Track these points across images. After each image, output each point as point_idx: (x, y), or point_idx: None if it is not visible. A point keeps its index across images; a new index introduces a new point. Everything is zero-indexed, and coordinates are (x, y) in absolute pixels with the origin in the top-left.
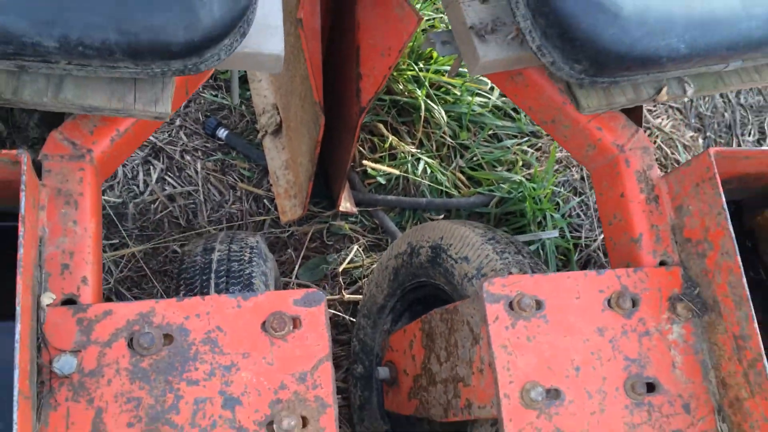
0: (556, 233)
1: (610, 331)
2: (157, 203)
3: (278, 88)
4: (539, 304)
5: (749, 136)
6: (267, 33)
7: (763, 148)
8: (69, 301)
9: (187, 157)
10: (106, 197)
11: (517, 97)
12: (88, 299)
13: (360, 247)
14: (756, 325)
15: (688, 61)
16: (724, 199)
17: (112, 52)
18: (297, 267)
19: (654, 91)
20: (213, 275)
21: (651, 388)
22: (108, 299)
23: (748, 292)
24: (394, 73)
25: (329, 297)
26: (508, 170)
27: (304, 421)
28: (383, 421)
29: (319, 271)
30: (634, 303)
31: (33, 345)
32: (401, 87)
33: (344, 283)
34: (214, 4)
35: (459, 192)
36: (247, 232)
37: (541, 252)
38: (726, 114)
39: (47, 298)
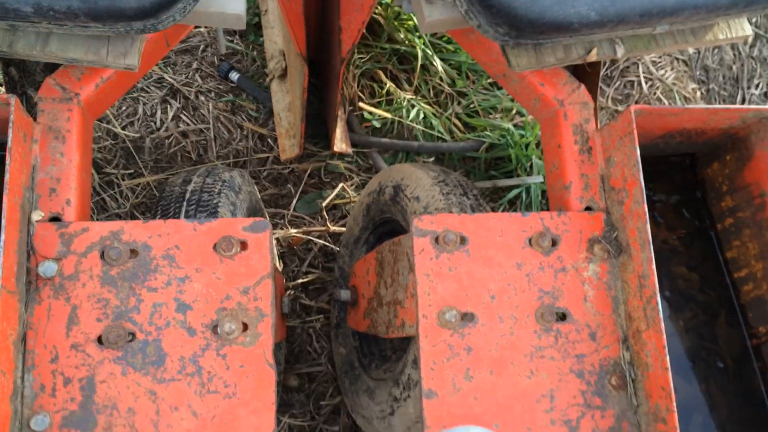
0: (540, 179)
1: (528, 266)
2: (171, 138)
3: (285, 35)
4: (463, 240)
5: (756, 89)
6: None
7: (687, 106)
8: (55, 219)
9: (201, 98)
10: (126, 132)
11: (473, 52)
12: (70, 217)
13: (352, 185)
14: (654, 266)
15: (601, 27)
16: (638, 152)
17: (77, 16)
18: (295, 201)
19: (584, 51)
20: (185, 204)
21: (563, 317)
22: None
23: (650, 237)
24: (395, 23)
25: (318, 228)
26: (502, 117)
27: (245, 326)
28: (353, 338)
29: (314, 205)
30: (555, 243)
31: (22, 251)
32: (402, 36)
33: (335, 216)
34: None
35: (453, 137)
36: (226, 167)
37: (525, 196)
38: (734, 67)
39: (36, 215)
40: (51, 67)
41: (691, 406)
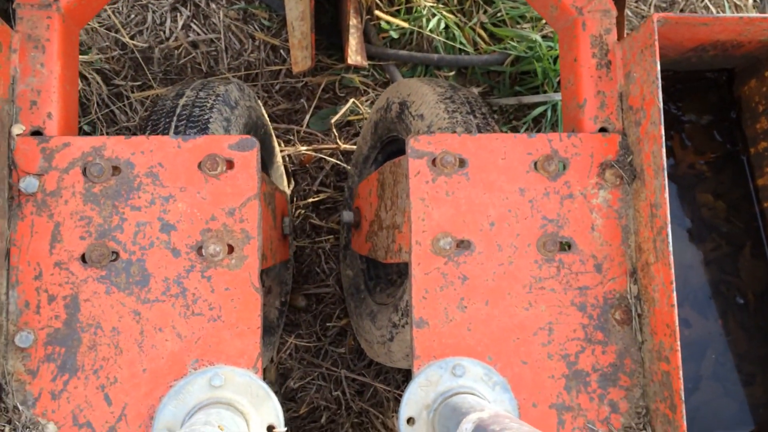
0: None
1: (532, 191)
2: (181, 49)
3: None
4: (462, 162)
5: None
6: None
7: (722, 15)
8: (36, 133)
9: (212, 5)
10: (134, 42)
11: None
12: (53, 132)
13: (368, 100)
14: (667, 195)
15: None
16: (658, 67)
17: None
18: (308, 116)
19: None
20: (175, 118)
21: (567, 248)
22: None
23: (665, 163)
24: None
25: (329, 146)
26: (532, 28)
27: (230, 248)
28: (360, 261)
29: (328, 122)
30: (564, 167)
31: (3, 166)
32: None
33: (349, 134)
34: None
35: (477, 49)
36: (223, 80)
37: (551, 114)
38: None
39: (17, 129)
40: None
41: (704, 342)
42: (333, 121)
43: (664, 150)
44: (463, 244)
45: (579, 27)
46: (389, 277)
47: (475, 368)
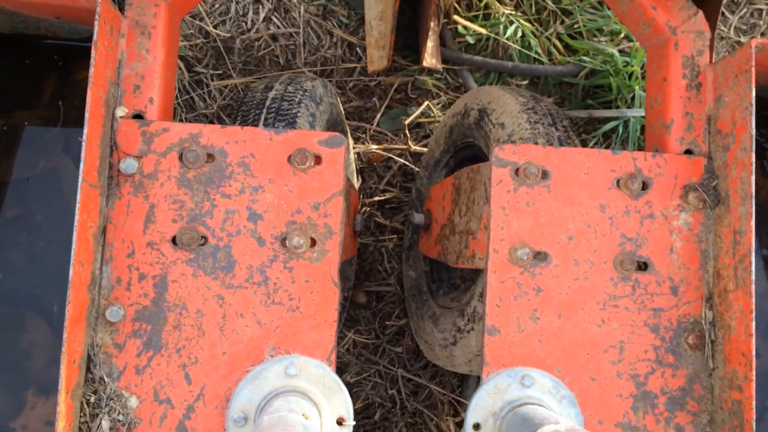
0: (641, 112)
1: (612, 208)
2: (261, 41)
3: None
4: (545, 174)
5: None
6: None
7: None
8: (137, 116)
9: (294, 0)
10: (217, 31)
11: None
12: (153, 116)
13: (439, 103)
14: (753, 222)
15: None
16: (753, 94)
17: None
18: (379, 115)
19: None
20: (264, 111)
21: (644, 267)
22: (210, 122)
23: (753, 190)
24: None
25: (399, 146)
26: (610, 41)
27: (313, 242)
28: (424, 262)
29: (398, 122)
30: (645, 186)
31: (105, 146)
32: None
33: (419, 135)
34: None
35: (551, 60)
36: (310, 76)
37: (622, 130)
38: None
39: (120, 111)
40: None
41: None
42: (407, 122)
43: (753, 177)
44: (539, 256)
45: (671, 47)
46: (452, 281)
47: (544, 380)
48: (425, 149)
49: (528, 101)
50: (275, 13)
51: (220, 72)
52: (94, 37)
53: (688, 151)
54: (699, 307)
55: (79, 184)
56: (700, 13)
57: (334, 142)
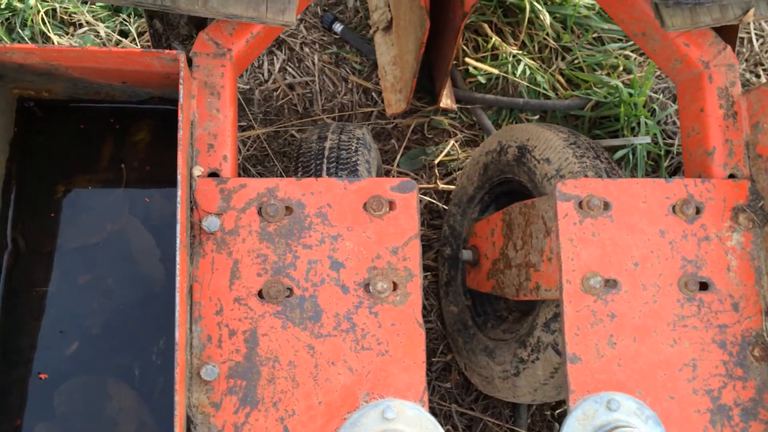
0: (647, 139)
1: (671, 234)
2: (278, 91)
3: None
4: (606, 205)
5: None
6: None
7: None
8: (213, 174)
9: (306, 49)
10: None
11: (612, 9)
12: (227, 173)
13: (457, 142)
14: None
15: None
16: None
17: None
18: (399, 156)
19: (741, 11)
20: (325, 161)
21: (704, 287)
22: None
23: None
24: None
25: (425, 186)
26: (608, 74)
27: (395, 286)
28: (465, 297)
29: (418, 161)
30: (698, 210)
31: (187, 206)
32: None
33: (440, 174)
34: None
35: (557, 94)
36: (355, 124)
37: (631, 157)
38: None
39: (197, 170)
40: (195, 20)
41: None
42: (436, 161)
43: None
44: (609, 283)
45: (705, 80)
46: (498, 314)
47: (628, 402)
48: (451, 187)
49: (569, 137)
50: (289, 63)
51: (243, 123)
52: (180, 100)
53: (731, 176)
54: (759, 320)
55: (177, 247)
56: (729, 47)
57: (406, 188)
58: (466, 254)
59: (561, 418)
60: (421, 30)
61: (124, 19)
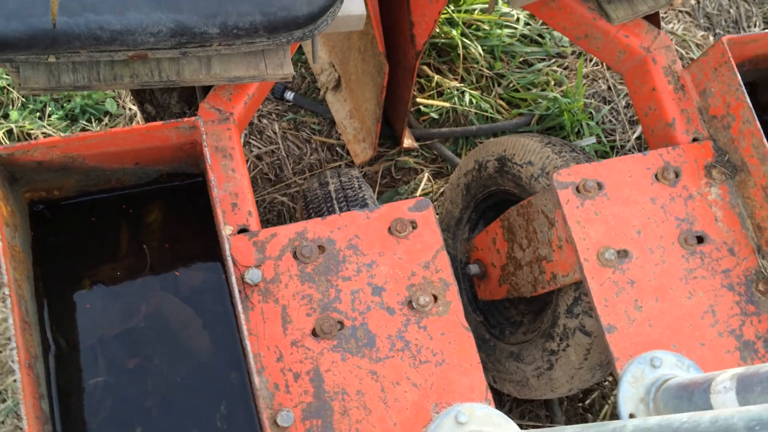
0: (593, 139)
1: (661, 199)
2: (248, 163)
3: (332, 47)
4: (600, 186)
5: (755, 27)
6: None
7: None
8: (243, 230)
9: (264, 121)
10: None
11: (553, 20)
12: (254, 227)
13: (427, 175)
14: None
15: None
16: (740, 77)
17: (256, 30)
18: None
19: None
20: (335, 202)
21: (701, 240)
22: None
23: None
24: None
25: None
26: (542, 90)
27: (435, 298)
28: (476, 314)
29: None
30: (677, 174)
31: (230, 266)
32: (438, 30)
33: None
34: None
35: (502, 116)
36: (347, 167)
37: None
38: (731, 10)
39: (227, 230)
40: (185, 97)
41: None
42: (418, 194)
43: (765, 140)
44: (621, 254)
45: (650, 62)
46: (512, 320)
47: (668, 357)
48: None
49: (542, 138)
50: (252, 137)
51: None
52: (208, 161)
53: (695, 140)
54: (754, 259)
55: (240, 309)
56: (662, 32)
57: (422, 206)
58: (473, 268)
59: (591, 410)
60: (379, 76)
61: (84, 126)
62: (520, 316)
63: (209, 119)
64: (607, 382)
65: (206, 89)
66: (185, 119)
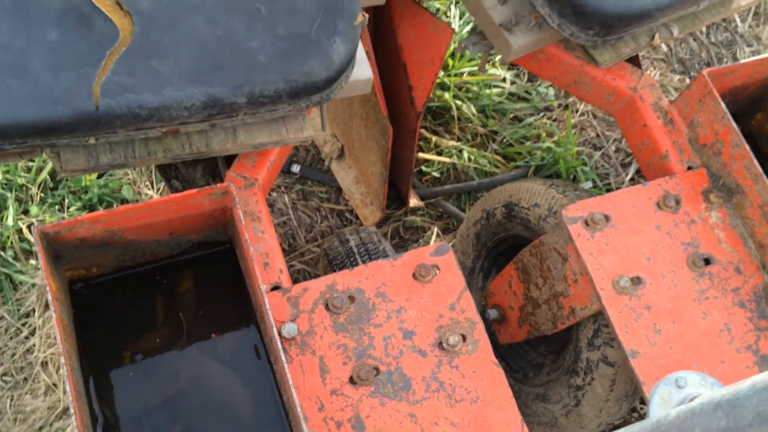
0: (590, 184)
1: (665, 226)
2: None
3: (333, 119)
4: (607, 218)
5: None
6: (359, 62)
7: (744, 60)
8: (275, 288)
9: (274, 194)
10: None
11: (542, 71)
12: (286, 283)
13: (432, 234)
14: None
15: (671, 8)
16: (723, 105)
17: (280, 97)
18: None
19: (649, 38)
20: (357, 256)
21: (708, 262)
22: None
23: (761, 170)
24: None
25: None
26: (535, 142)
27: (464, 337)
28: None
29: None
30: (677, 201)
31: (271, 323)
32: (431, 94)
33: None
34: (339, 46)
35: (499, 170)
36: (362, 225)
37: None
38: (703, 53)
39: (262, 288)
40: (209, 170)
41: None
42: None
43: (755, 161)
44: (635, 281)
45: (638, 101)
46: (534, 362)
47: (692, 377)
48: None
49: (545, 181)
50: None
51: None
52: (242, 220)
53: (689, 168)
54: (760, 276)
55: (286, 368)
56: (644, 73)
57: (443, 250)
58: (492, 313)
59: None
60: (384, 139)
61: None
62: (541, 358)
63: (237, 186)
64: (632, 418)
65: (229, 160)
66: (218, 185)
